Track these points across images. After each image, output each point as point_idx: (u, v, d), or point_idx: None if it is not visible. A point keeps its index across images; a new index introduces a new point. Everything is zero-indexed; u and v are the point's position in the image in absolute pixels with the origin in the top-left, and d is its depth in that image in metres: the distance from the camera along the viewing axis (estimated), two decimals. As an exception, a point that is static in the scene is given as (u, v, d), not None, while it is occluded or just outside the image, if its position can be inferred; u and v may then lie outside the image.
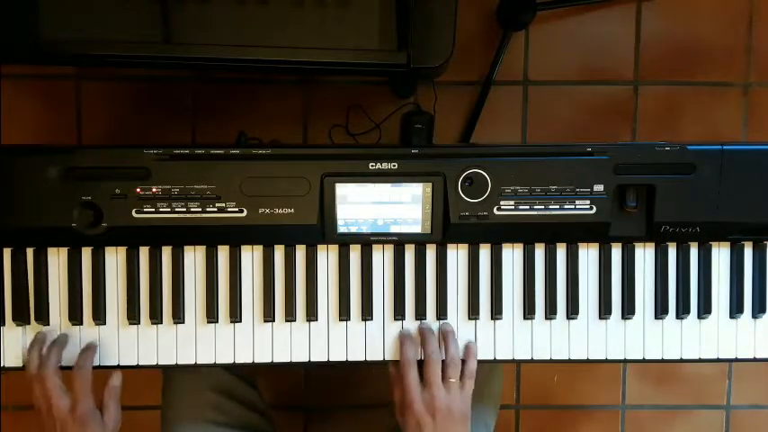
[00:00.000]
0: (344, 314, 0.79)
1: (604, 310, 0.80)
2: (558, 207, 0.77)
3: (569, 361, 0.80)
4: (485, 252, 0.79)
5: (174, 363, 0.78)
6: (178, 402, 0.87)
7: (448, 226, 0.77)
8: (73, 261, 0.77)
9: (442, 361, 0.76)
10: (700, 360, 0.81)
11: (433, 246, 0.79)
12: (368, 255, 0.79)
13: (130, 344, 0.78)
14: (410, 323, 0.79)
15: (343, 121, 1.22)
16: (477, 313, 0.79)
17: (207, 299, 0.78)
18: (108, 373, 0.77)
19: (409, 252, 0.79)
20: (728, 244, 0.80)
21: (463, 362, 0.77)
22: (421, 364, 0.76)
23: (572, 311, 0.79)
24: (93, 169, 0.75)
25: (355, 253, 0.79)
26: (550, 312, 0.79)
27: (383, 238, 0.78)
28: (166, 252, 0.78)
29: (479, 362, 0.79)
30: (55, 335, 0.76)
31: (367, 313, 0.79)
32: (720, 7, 1.22)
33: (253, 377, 0.93)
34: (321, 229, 0.77)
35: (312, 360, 0.79)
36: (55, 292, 0.78)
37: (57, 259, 0.78)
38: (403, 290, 0.79)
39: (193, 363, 0.78)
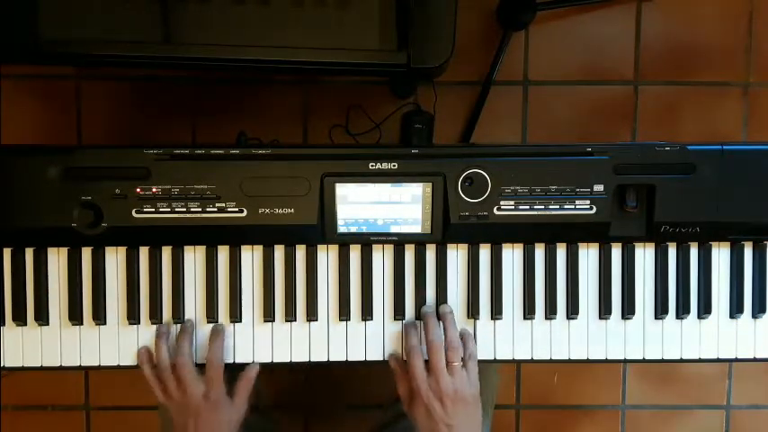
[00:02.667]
0: (344, 314, 0.79)
1: (604, 310, 0.80)
2: (558, 207, 0.77)
3: (569, 361, 0.80)
4: (485, 252, 0.79)
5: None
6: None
7: (448, 226, 0.77)
8: (73, 261, 0.77)
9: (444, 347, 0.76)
10: (700, 360, 0.81)
11: (433, 246, 0.79)
12: (368, 255, 0.79)
13: (130, 344, 0.78)
14: (410, 323, 0.79)
15: (343, 121, 1.22)
16: (477, 313, 0.79)
17: (207, 299, 0.78)
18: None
19: (409, 252, 0.79)
20: (728, 244, 0.80)
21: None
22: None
23: (572, 311, 0.79)
24: (93, 169, 0.75)
25: (355, 253, 0.79)
26: (550, 312, 0.79)
27: (383, 238, 0.78)
28: (166, 252, 0.78)
29: (479, 362, 0.79)
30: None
31: (367, 313, 0.79)
32: (720, 7, 1.22)
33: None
34: (321, 229, 0.77)
35: (312, 360, 0.79)
36: (55, 292, 0.78)
37: (57, 259, 0.78)
38: (403, 290, 0.79)
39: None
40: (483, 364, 0.87)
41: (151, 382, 0.76)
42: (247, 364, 0.79)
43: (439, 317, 0.78)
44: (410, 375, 0.75)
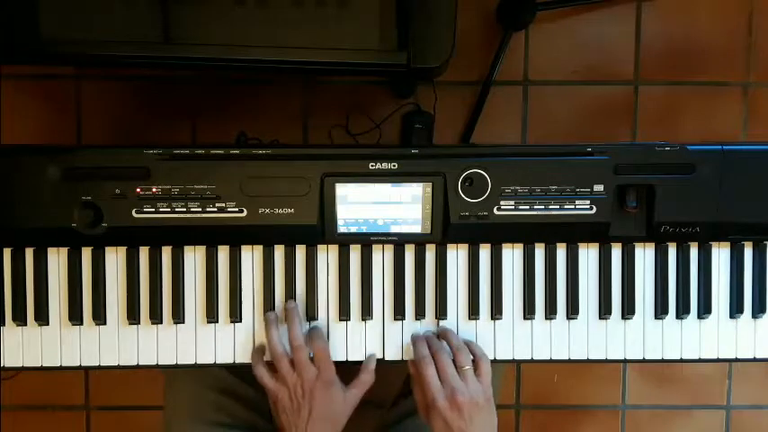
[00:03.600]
0: (344, 314, 0.79)
1: (604, 310, 0.80)
2: (558, 207, 0.77)
3: (569, 361, 0.80)
4: (485, 252, 0.79)
5: (173, 363, 0.78)
6: (180, 403, 0.87)
7: (448, 226, 0.77)
8: (73, 261, 0.77)
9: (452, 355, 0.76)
10: (700, 360, 0.81)
11: (433, 246, 0.79)
12: (368, 255, 0.79)
13: (130, 344, 0.78)
14: (410, 323, 0.79)
15: (343, 122, 1.22)
16: (477, 313, 0.79)
17: (207, 299, 0.78)
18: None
19: (409, 252, 0.79)
20: (728, 244, 0.80)
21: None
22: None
23: (572, 311, 0.79)
24: (93, 169, 0.75)
25: (355, 253, 0.79)
26: (550, 312, 0.79)
27: (383, 238, 0.78)
28: (166, 252, 0.78)
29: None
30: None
31: (367, 313, 0.79)
32: (720, 7, 1.22)
33: (253, 377, 0.93)
34: (321, 229, 0.77)
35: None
36: (55, 292, 0.78)
37: (57, 259, 0.78)
38: (403, 290, 0.79)
39: (193, 363, 0.78)
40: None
41: (260, 374, 0.76)
42: (246, 364, 0.78)
43: (438, 336, 0.78)
44: (424, 387, 0.74)
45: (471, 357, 0.76)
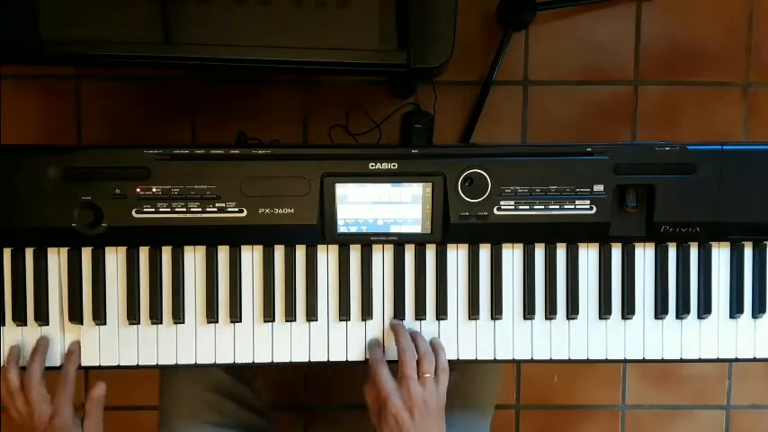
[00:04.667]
0: (344, 314, 0.79)
1: (604, 310, 0.80)
2: (558, 207, 0.77)
3: (569, 361, 0.80)
4: (485, 252, 0.79)
5: (173, 363, 0.78)
6: (176, 403, 0.87)
7: (448, 226, 0.77)
8: (73, 261, 0.77)
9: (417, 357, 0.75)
10: (700, 360, 0.81)
11: (433, 246, 0.79)
12: (368, 255, 0.79)
13: (130, 344, 0.78)
14: (410, 323, 0.79)
15: (343, 121, 1.22)
16: (477, 313, 0.79)
17: (207, 299, 0.78)
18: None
19: (409, 252, 0.79)
20: (728, 244, 0.80)
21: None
22: (392, 363, 0.76)
23: (572, 311, 0.79)
24: (93, 169, 0.75)
25: (355, 253, 0.79)
26: (550, 312, 0.79)
27: (383, 238, 0.78)
28: (166, 252, 0.78)
29: (479, 362, 0.80)
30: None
31: (367, 313, 0.79)
32: (720, 7, 1.22)
33: (250, 377, 0.93)
34: (321, 229, 0.77)
35: (312, 360, 0.79)
36: (55, 292, 0.78)
37: (57, 259, 0.78)
38: (403, 290, 0.79)
39: (193, 363, 0.78)
40: (484, 364, 0.87)
41: (7, 402, 0.75)
42: (245, 364, 0.79)
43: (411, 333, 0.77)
44: (377, 386, 0.74)
45: (434, 366, 0.75)
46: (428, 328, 0.79)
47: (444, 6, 0.79)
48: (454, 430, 0.86)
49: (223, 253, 0.78)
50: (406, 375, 0.73)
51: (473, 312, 0.79)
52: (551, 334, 0.80)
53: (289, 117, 1.22)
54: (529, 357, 0.80)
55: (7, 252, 0.77)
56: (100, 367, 0.78)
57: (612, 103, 1.24)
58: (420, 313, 0.79)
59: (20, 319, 0.77)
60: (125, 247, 0.78)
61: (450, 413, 0.86)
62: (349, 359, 0.80)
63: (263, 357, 0.79)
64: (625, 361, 0.81)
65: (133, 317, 0.77)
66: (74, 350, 0.77)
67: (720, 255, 0.80)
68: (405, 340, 0.75)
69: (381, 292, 0.79)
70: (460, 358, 0.80)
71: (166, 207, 0.75)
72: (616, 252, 0.80)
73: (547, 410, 1.32)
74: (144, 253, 0.78)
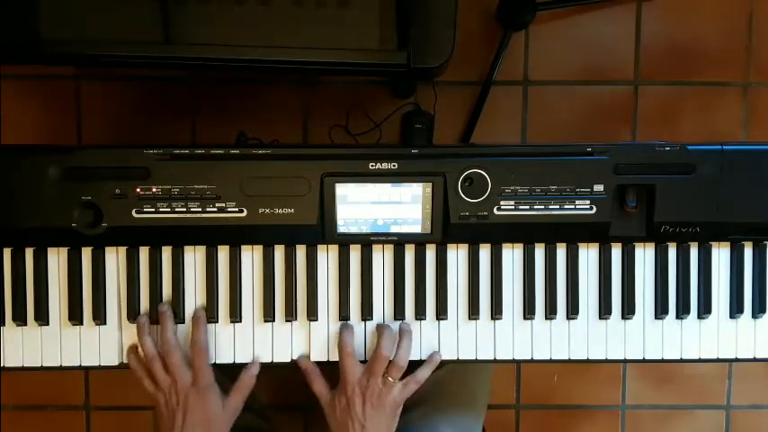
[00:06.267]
0: (344, 314, 0.79)
1: (604, 310, 0.80)
2: (558, 207, 0.77)
3: (569, 361, 0.80)
4: (485, 252, 0.79)
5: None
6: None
7: (448, 226, 0.77)
8: (73, 261, 0.77)
9: (390, 361, 0.76)
10: (700, 360, 0.81)
11: (433, 246, 0.79)
12: (368, 255, 0.79)
13: (131, 343, 0.78)
14: (410, 323, 0.79)
15: (343, 121, 1.22)
16: (477, 313, 0.79)
17: (207, 299, 0.78)
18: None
19: (409, 252, 0.79)
20: (728, 244, 0.80)
21: (418, 365, 0.77)
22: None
23: (572, 311, 0.79)
24: (93, 169, 0.75)
25: (355, 253, 0.79)
26: (550, 312, 0.79)
27: (383, 238, 0.78)
28: (166, 252, 0.78)
29: (480, 362, 0.80)
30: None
31: (367, 313, 0.79)
32: (720, 7, 1.22)
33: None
34: (321, 229, 0.77)
35: (312, 360, 0.79)
36: (55, 292, 0.78)
37: (57, 259, 0.78)
38: (403, 290, 0.79)
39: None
40: (476, 364, 0.87)
41: (139, 373, 0.76)
42: (246, 364, 0.79)
43: (399, 333, 0.78)
44: (341, 369, 0.75)
45: (401, 375, 0.76)
46: (428, 328, 0.79)
47: (444, 6, 0.79)
48: (446, 430, 0.86)
49: (223, 253, 0.78)
50: (373, 371, 0.74)
51: (473, 312, 0.79)
52: (551, 334, 0.80)
53: (289, 117, 1.22)
54: (529, 357, 0.80)
55: (7, 252, 0.77)
56: (100, 367, 0.78)
57: (612, 103, 1.24)
58: (420, 313, 0.79)
59: (20, 318, 0.77)
60: (125, 247, 0.78)
61: (441, 412, 0.86)
62: (349, 359, 0.79)
63: (263, 357, 0.79)
64: (625, 361, 0.81)
65: (133, 317, 0.77)
66: (200, 315, 0.77)
67: (720, 255, 0.80)
68: (385, 342, 0.75)
69: (381, 293, 0.79)
70: (460, 358, 0.80)
71: (166, 207, 0.75)
72: (616, 252, 0.80)
73: (547, 410, 1.32)
74: (144, 253, 0.78)
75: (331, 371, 0.79)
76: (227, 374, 0.88)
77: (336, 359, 0.79)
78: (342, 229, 0.77)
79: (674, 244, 0.80)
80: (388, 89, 1.22)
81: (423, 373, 0.77)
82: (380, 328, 0.78)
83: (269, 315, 0.78)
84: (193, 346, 0.75)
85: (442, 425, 0.86)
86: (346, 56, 0.78)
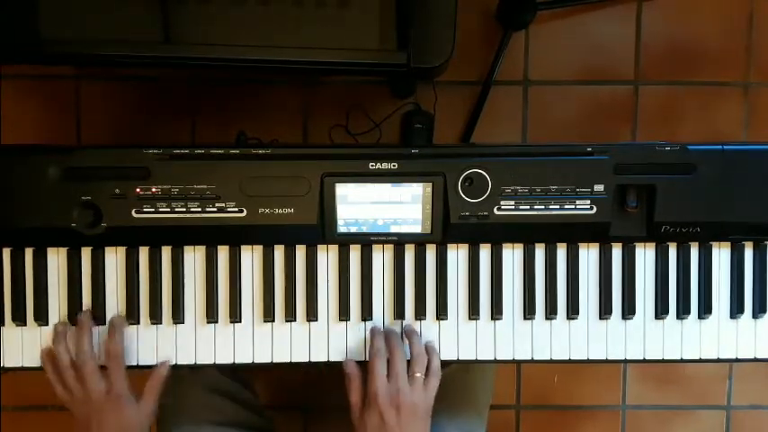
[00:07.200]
0: (344, 314, 0.79)
1: (605, 311, 0.79)
2: (558, 207, 0.77)
3: (569, 361, 0.80)
4: (485, 252, 0.79)
5: (173, 363, 0.78)
6: (174, 403, 0.87)
7: (448, 226, 0.77)
8: (73, 261, 0.77)
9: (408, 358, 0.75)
10: (700, 360, 0.81)
11: (433, 246, 0.79)
12: (368, 255, 0.79)
13: (130, 344, 0.78)
14: (410, 323, 0.79)
15: (343, 121, 1.22)
16: (478, 313, 0.79)
17: (207, 299, 0.78)
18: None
19: (409, 252, 0.79)
20: (729, 244, 0.80)
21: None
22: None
23: (572, 311, 0.79)
24: (93, 169, 0.75)
25: (355, 253, 0.79)
26: (551, 312, 0.79)
27: (383, 238, 0.78)
28: (166, 252, 0.78)
29: (480, 362, 0.80)
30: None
31: (367, 313, 0.79)
32: (720, 7, 1.22)
33: (247, 378, 0.93)
34: (321, 229, 0.77)
35: (312, 360, 0.79)
36: (54, 292, 0.78)
37: (56, 259, 0.78)
38: (403, 290, 0.79)
39: (193, 363, 0.78)
40: (479, 364, 0.87)
41: (52, 381, 0.75)
42: (245, 364, 0.79)
43: (404, 335, 0.78)
44: (369, 378, 0.73)
45: (425, 367, 0.74)
46: (428, 328, 0.79)
47: (444, 6, 0.79)
48: (449, 430, 0.86)
49: (223, 253, 0.78)
50: (397, 373, 0.73)
51: (473, 312, 0.79)
52: (551, 334, 0.80)
53: (289, 117, 1.22)
54: (529, 358, 0.80)
55: (7, 252, 0.77)
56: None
57: (612, 103, 1.24)
58: (420, 313, 0.79)
59: (19, 318, 0.77)
60: (125, 247, 0.78)
61: (445, 413, 0.86)
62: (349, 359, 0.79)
63: (263, 357, 0.79)
64: (625, 361, 0.81)
65: (132, 317, 0.77)
66: (117, 323, 0.76)
67: (721, 255, 0.80)
68: (396, 341, 0.75)
69: (381, 293, 0.79)
70: (461, 358, 0.80)
71: (166, 207, 0.75)
72: (616, 252, 0.80)
73: (547, 411, 1.32)
74: (144, 253, 0.78)
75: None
76: (228, 375, 0.88)
77: (336, 359, 0.78)
78: (342, 229, 0.77)
79: (675, 244, 0.80)
80: (388, 89, 1.22)
81: (435, 362, 0.76)
82: (387, 331, 0.77)
83: (269, 315, 0.78)
84: (108, 354, 0.74)
85: (446, 425, 0.86)
86: (346, 56, 0.78)
